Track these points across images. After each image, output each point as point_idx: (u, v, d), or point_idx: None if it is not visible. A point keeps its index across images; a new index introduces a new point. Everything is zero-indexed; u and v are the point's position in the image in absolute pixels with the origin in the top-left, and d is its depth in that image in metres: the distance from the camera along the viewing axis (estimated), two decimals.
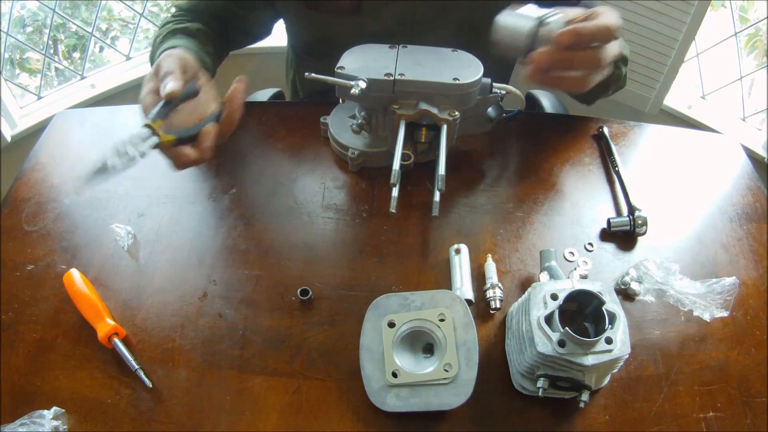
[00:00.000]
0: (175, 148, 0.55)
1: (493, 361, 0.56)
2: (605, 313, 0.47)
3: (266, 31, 0.89)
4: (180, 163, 0.57)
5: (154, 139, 0.53)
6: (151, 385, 0.54)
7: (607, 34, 0.52)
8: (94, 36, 1.89)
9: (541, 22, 0.54)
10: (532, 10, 0.56)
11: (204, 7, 0.81)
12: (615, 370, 0.52)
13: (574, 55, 0.52)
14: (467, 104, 0.67)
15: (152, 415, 0.53)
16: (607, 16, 0.53)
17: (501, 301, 0.59)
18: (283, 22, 0.88)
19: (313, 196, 0.71)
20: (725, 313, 0.59)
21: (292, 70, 1.04)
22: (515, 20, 0.56)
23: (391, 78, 0.64)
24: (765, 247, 0.67)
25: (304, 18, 0.80)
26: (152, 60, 0.76)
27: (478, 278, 0.62)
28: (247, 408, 0.53)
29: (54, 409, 0.52)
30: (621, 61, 0.69)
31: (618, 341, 0.47)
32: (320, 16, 0.78)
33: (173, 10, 0.84)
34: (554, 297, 0.49)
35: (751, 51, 1.87)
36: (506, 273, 0.63)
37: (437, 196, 0.63)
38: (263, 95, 1.08)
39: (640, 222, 0.66)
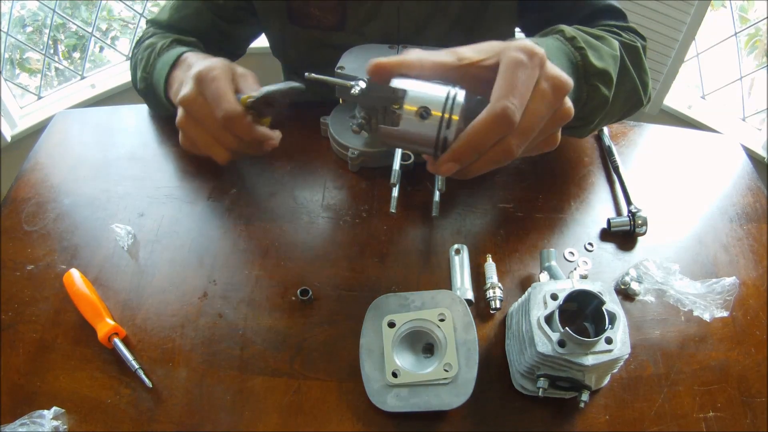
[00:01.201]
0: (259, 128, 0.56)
1: (493, 361, 0.56)
2: (605, 313, 0.47)
3: (242, 50, 0.88)
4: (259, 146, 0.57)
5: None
6: (151, 385, 0.54)
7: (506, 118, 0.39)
8: (94, 36, 1.89)
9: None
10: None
11: (187, 23, 0.78)
12: (615, 370, 0.52)
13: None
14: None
15: (152, 415, 0.53)
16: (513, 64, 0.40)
17: (501, 301, 0.59)
18: (267, 40, 0.86)
19: (313, 196, 0.71)
20: (725, 313, 0.59)
21: (285, 76, 1.04)
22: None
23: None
24: (765, 247, 0.67)
25: (288, 33, 0.80)
26: (148, 67, 0.71)
27: (478, 278, 0.62)
28: (247, 408, 0.53)
29: (54, 409, 0.52)
30: (597, 79, 0.56)
31: (618, 341, 0.47)
32: (304, 32, 0.78)
33: (150, 29, 0.79)
34: (554, 297, 0.49)
35: (751, 51, 1.88)
36: (506, 273, 0.63)
37: (437, 196, 0.63)
38: None
39: (640, 222, 0.66)
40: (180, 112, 0.57)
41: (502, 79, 0.40)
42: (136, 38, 0.82)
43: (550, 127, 0.43)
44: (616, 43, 0.62)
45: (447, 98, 0.41)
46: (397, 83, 0.43)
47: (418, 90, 0.42)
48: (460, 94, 0.42)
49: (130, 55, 0.83)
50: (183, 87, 0.56)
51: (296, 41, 0.81)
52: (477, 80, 0.43)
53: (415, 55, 0.44)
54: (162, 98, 0.67)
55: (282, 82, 0.56)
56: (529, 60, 0.40)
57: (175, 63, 0.65)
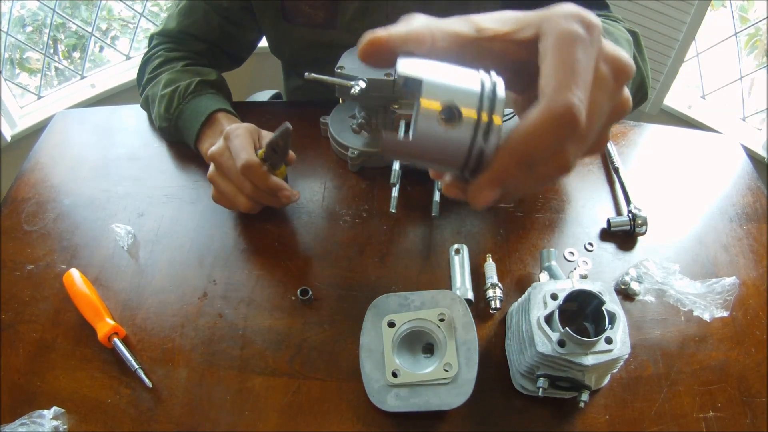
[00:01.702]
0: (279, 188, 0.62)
1: (493, 361, 0.56)
2: (605, 313, 0.47)
3: (247, 54, 0.89)
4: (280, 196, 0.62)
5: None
6: (151, 385, 0.54)
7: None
8: (94, 36, 1.89)
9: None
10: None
11: (197, 29, 0.79)
12: (615, 370, 0.52)
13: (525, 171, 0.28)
14: None
15: (152, 415, 0.53)
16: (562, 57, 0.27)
17: (501, 301, 0.59)
18: (266, 41, 0.87)
19: (313, 196, 0.71)
20: (725, 313, 0.59)
21: (284, 73, 1.04)
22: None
23: (391, 78, 0.64)
24: (765, 247, 0.67)
25: (283, 32, 0.80)
26: (172, 110, 0.73)
27: (478, 278, 0.62)
28: (247, 408, 0.53)
29: (54, 409, 0.52)
30: None
31: (618, 341, 0.47)
32: (297, 30, 0.79)
33: (160, 49, 0.80)
34: (554, 297, 0.49)
35: (751, 51, 1.87)
36: (506, 273, 0.63)
37: (437, 196, 0.63)
38: (263, 96, 1.08)
39: (640, 222, 0.66)
40: (211, 167, 0.64)
41: (558, 61, 0.27)
42: (144, 55, 0.82)
43: (607, 125, 0.31)
44: (623, 29, 0.54)
45: (483, 89, 0.27)
46: (405, 67, 0.27)
47: (438, 77, 0.27)
48: (500, 85, 0.27)
49: (138, 70, 0.83)
50: (214, 145, 0.64)
51: (290, 39, 0.81)
52: (501, 62, 0.30)
53: (422, 22, 0.30)
54: (191, 146, 0.73)
55: (277, 130, 0.61)
56: (587, 33, 0.27)
57: (208, 121, 0.71)
